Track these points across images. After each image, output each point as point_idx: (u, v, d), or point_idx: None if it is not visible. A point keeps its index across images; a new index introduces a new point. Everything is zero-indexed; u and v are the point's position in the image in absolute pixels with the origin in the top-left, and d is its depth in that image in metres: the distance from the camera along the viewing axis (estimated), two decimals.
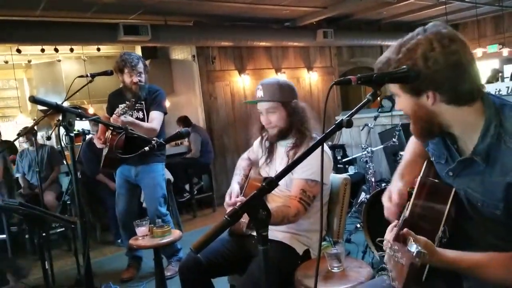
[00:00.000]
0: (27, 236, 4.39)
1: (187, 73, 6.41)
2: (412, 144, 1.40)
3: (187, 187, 5.61)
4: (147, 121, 3.10)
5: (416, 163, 1.33)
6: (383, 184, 4.36)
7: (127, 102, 2.84)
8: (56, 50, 5.73)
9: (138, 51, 6.72)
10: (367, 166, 3.68)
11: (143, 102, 3.13)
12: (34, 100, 1.68)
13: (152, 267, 2.84)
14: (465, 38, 1.04)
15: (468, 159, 1.09)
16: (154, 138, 2.04)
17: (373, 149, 3.76)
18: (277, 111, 1.89)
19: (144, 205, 3.53)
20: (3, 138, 5.12)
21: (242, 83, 6.44)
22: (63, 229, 4.49)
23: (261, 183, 1.67)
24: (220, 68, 6.31)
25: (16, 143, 5.39)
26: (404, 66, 1.01)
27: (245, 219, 1.26)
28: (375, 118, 3.89)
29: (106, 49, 6.82)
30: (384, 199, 1.29)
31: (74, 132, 1.72)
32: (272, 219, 1.02)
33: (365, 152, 3.67)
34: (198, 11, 5.48)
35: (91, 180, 4.54)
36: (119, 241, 4.25)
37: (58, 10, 4.89)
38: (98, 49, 6.51)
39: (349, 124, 0.94)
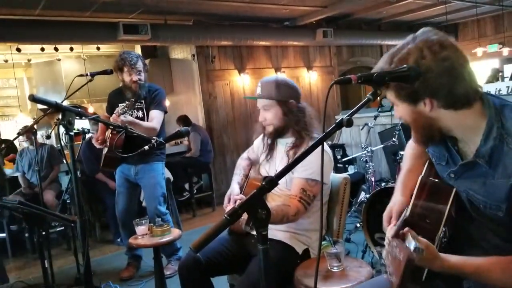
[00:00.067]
0: (26, 235, 4.39)
1: (187, 73, 6.41)
2: (411, 149, 1.40)
3: (186, 186, 5.61)
4: (147, 120, 3.09)
5: (416, 169, 1.32)
6: (382, 184, 4.36)
7: (127, 102, 2.84)
8: (56, 49, 5.72)
9: (138, 50, 6.71)
10: (367, 165, 3.69)
11: (143, 101, 3.13)
12: (33, 98, 1.68)
13: (152, 266, 2.84)
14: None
15: (471, 162, 1.09)
16: (154, 137, 2.04)
17: (373, 148, 3.76)
18: (273, 109, 1.90)
19: (143, 204, 3.53)
20: (3, 137, 5.12)
21: (241, 82, 6.44)
22: (63, 228, 4.49)
23: (261, 183, 1.67)
24: (220, 68, 6.31)
25: (16, 142, 5.40)
26: (405, 65, 1.00)
27: (244, 216, 1.26)
28: (375, 117, 3.89)
29: (106, 48, 6.81)
30: (385, 219, 1.28)
31: (74, 131, 1.73)
32: (272, 218, 1.01)
33: (365, 151, 3.68)
34: (197, 10, 5.47)
35: (91, 179, 4.54)
36: (118, 240, 4.25)
37: (58, 9, 4.89)
38: (98, 48, 6.51)
39: (349, 123, 0.94)
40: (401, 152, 3.43)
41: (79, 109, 1.81)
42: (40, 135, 6.07)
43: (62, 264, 3.92)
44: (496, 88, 4.78)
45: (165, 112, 3.21)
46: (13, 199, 2.64)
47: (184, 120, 5.67)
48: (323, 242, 1.82)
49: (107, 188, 4.44)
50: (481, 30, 8.58)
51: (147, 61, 3.46)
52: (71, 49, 6.01)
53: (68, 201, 4.43)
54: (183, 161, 5.53)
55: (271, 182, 0.94)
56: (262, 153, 2.05)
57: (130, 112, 2.97)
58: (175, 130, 2.09)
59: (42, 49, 5.74)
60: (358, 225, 3.66)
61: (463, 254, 1.08)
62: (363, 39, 7.40)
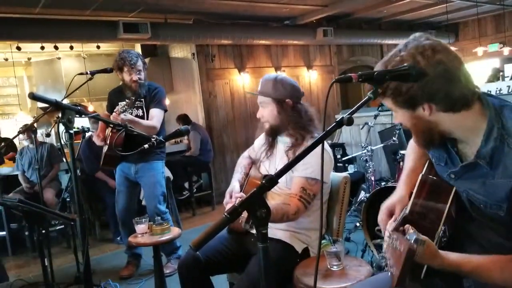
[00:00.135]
0: (26, 233, 4.39)
1: (187, 71, 6.40)
2: (413, 150, 1.40)
3: (186, 185, 5.61)
4: (147, 119, 3.09)
5: (417, 169, 1.33)
6: (382, 183, 4.36)
7: (127, 100, 2.84)
8: (56, 47, 5.72)
9: (138, 49, 6.71)
10: (367, 165, 3.69)
11: (142, 100, 3.13)
12: (33, 96, 1.68)
13: (151, 264, 2.85)
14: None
15: (472, 163, 1.09)
16: (154, 136, 2.04)
17: (373, 148, 3.76)
18: (269, 106, 1.91)
19: (143, 202, 3.53)
20: (3, 136, 5.12)
21: (241, 81, 6.43)
22: (63, 226, 4.49)
23: (261, 181, 1.67)
24: (220, 66, 6.30)
25: (16, 141, 5.40)
26: (405, 64, 1.00)
27: (244, 214, 1.26)
28: (375, 117, 3.89)
29: (106, 47, 6.81)
30: (384, 212, 1.29)
31: (74, 129, 1.72)
32: (272, 217, 1.01)
33: (365, 151, 3.67)
34: (198, 9, 5.47)
35: (91, 177, 4.54)
36: (118, 238, 4.25)
37: (58, 8, 4.89)
38: (98, 47, 6.51)
39: (349, 122, 0.94)
40: (401, 152, 3.43)
41: (79, 107, 1.81)
42: (40, 133, 6.07)
43: (62, 263, 3.92)
44: (497, 88, 4.78)
45: (165, 110, 3.21)
46: (13, 197, 2.64)
47: (184, 119, 5.67)
48: (322, 241, 1.82)
49: (107, 187, 4.44)
50: (482, 30, 8.57)
51: (147, 60, 3.47)
52: (71, 47, 6.01)
53: (68, 199, 4.43)
54: (183, 160, 5.53)
55: (271, 181, 0.94)
56: (262, 151, 2.05)
57: (130, 111, 2.97)
58: (175, 129, 2.08)
59: (42, 48, 5.74)
60: (357, 224, 3.66)
61: (463, 252, 1.09)
62: (363, 38, 7.39)
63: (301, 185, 1.79)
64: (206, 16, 5.86)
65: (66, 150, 1.72)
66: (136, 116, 3.06)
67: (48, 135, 3.41)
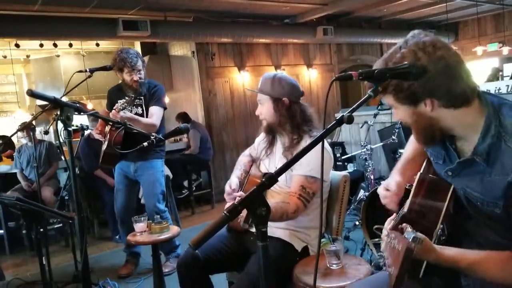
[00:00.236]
0: (24, 231, 4.38)
1: (187, 69, 6.39)
2: (413, 143, 1.40)
3: (185, 183, 5.60)
4: (146, 117, 3.08)
5: (415, 161, 1.34)
6: (382, 182, 4.35)
7: (126, 98, 2.83)
8: (55, 45, 5.70)
9: (137, 46, 6.70)
10: (366, 163, 3.68)
11: (142, 98, 3.12)
12: (32, 94, 1.67)
13: (150, 263, 2.84)
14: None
15: (468, 160, 1.09)
16: (153, 134, 2.03)
17: (373, 146, 3.75)
18: (266, 104, 1.92)
19: (142, 201, 3.53)
20: (1, 133, 5.11)
21: (241, 79, 6.42)
22: (61, 224, 4.48)
23: (260, 180, 1.67)
24: (220, 65, 6.29)
25: (15, 138, 5.38)
26: (405, 62, 1.00)
27: (242, 213, 1.25)
28: (375, 115, 3.88)
29: (105, 45, 6.79)
30: (380, 190, 1.31)
31: (73, 127, 1.71)
32: (271, 216, 1.01)
33: (365, 149, 3.67)
34: (197, 7, 5.46)
35: (90, 175, 4.53)
36: (117, 237, 4.24)
37: (57, 5, 4.87)
38: (97, 45, 6.48)
39: (350, 120, 0.94)
40: (401, 150, 3.43)
41: (78, 105, 1.80)
42: (39, 131, 6.06)
43: (60, 261, 3.91)
44: (496, 87, 4.78)
45: (165, 108, 3.20)
46: (11, 196, 2.63)
47: (183, 117, 5.66)
48: (322, 240, 1.82)
49: (105, 185, 4.43)
50: (481, 29, 8.57)
51: (146, 58, 3.45)
52: (70, 45, 5.98)
53: (66, 197, 4.42)
54: (182, 158, 5.52)
55: (271, 179, 0.94)
56: (262, 149, 2.05)
57: (129, 108, 2.96)
58: (174, 127, 2.07)
59: (41, 45, 5.72)
60: (357, 223, 3.66)
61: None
62: (363, 37, 7.39)
63: (300, 184, 1.79)
64: (206, 14, 5.85)
65: (65, 148, 1.71)
66: (136, 114, 3.05)
67: (46, 132, 3.40)
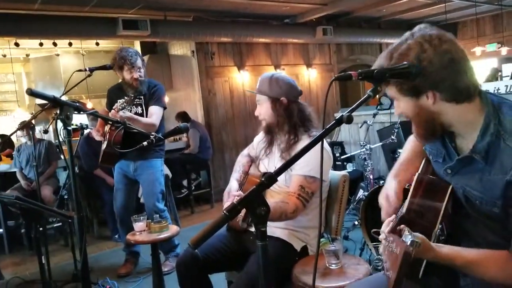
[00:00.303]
0: (23, 230, 4.38)
1: (186, 69, 6.39)
2: (410, 142, 1.40)
3: (185, 183, 5.60)
4: (146, 116, 3.08)
5: (412, 162, 1.33)
6: (381, 182, 4.36)
7: (126, 97, 2.83)
8: (55, 44, 5.70)
9: (137, 46, 6.70)
10: (366, 163, 3.68)
11: (142, 97, 3.12)
12: (31, 92, 1.67)
13: (150, 262, 2.84)
14: (458, 39, 1.05)
15: (467, 157, 1.09)
16: (153, 133, 2.03)
17: (372, 146, 3.75)
18: (265, 104, 1.92)
19: (142, 200, 3.53)
20: (0, 132, 5.10)
21: (241, 79, 6.42)
22: (60, 223, 4.48)
23: (260, 179, 1.67)
24: (219, 64, 6.29)
25: (14, 137, 5.38)
26: (405, 62, 1.00)
27: (241, 212, 1.25)
28: (374, 115, 3.89)
29: (105, 44, 6.79)
30: (381, 199, 1.30)
31: (72, 126, 1.71)
32: (270, 215, 1.01)
33: (364, 149, 3.67)
34: (197, 6, 5.46)
35: (89, 174, 4.53)
36: (116, 236, 4.24)
37: (57, 4, 4.87)
38: (97, 44, 6.48)
39: (349, 119, 0.94)
40: (400, 150, 3.43)
41: (77, 104, 1.80)
42: (38, 130, 6.05)
43: (59, 260, 3.91)
44: (495, 87, 4.78)
45: (164, 108, 3.20)
46: (10, 195, 2.63)
47: (183, 116, 5.66)
48: (321, 240, 1.82)
49: (105, 184, 4.42)
50: (480, 30, 8.58)
51: (146, 57, 3.45)
52: (70, 44, 5.98)
53: (65, 196, 4.42)
54: (181, 158, 5.52)
55: (270, 178, 0.94)
56: (261, 149, 2.05)
57: (129, 108, 2.96)
58: (174, 127, 2.08)
59: (41, 44, 5.71)
60: (356, 222, 3.66)
61: None
62: (362, 37, 7.40)
63: (299, 183, 1.79)
64: (205, 14, 5.85)
65: (64, 147, 1.72)
66: (135, 113, 3.05)
67: (46, 131, 3.40)
